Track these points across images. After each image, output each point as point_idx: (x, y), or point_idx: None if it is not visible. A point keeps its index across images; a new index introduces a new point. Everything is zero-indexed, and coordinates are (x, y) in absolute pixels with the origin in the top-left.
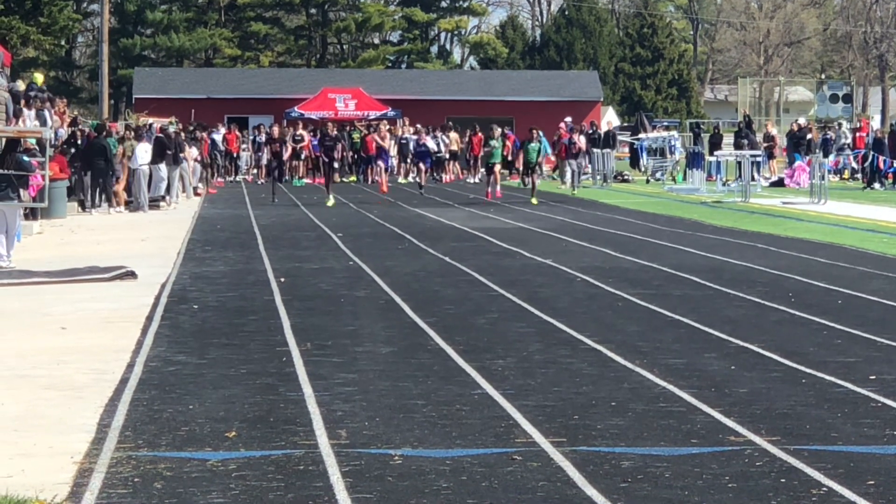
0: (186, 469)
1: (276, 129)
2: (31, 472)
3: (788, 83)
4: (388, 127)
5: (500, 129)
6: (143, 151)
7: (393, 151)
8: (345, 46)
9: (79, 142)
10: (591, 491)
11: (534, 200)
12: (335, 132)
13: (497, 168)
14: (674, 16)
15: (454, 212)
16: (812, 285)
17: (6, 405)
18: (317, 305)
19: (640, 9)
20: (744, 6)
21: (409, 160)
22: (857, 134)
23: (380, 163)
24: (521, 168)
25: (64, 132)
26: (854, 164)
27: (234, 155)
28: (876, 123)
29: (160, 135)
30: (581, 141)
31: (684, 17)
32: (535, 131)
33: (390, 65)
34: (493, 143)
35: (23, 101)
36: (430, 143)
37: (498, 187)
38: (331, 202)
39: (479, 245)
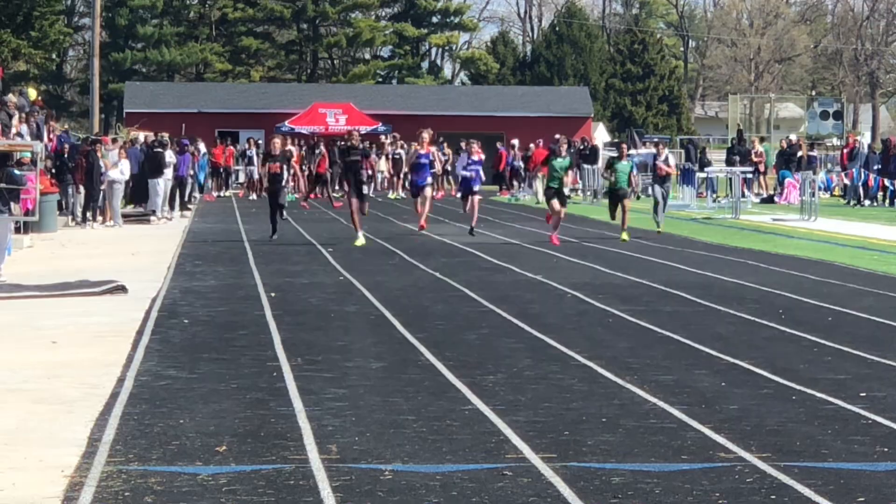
0: (177, 483)
1: (277, 143)
2: (22, 485)
3: (779, 100)
4: (429, 134)
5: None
6: (124, 165)
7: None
8: (335, 61)
9: (65, 155)
10: None
11: (624, 236)
12: (361, 144)
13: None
14: (664, 32)
15: (444, 227)
16: (803, 302)
17: None
18: (307, 320)
19: (630, 25)
20: (734, 23)
21: (454, 183)
22: (843, 150)
23: (425, 190)
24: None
25: (45, 145)
26: (847, 181)
27: (223, 170)
28: (866, 140)
29: (158, 149)
30: (670, 162)
31: (675, 34)
32: (623, 145)
33: (381, 80)
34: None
35: (18, 116)
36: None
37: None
38: (360, 241)
39: (470, 261)
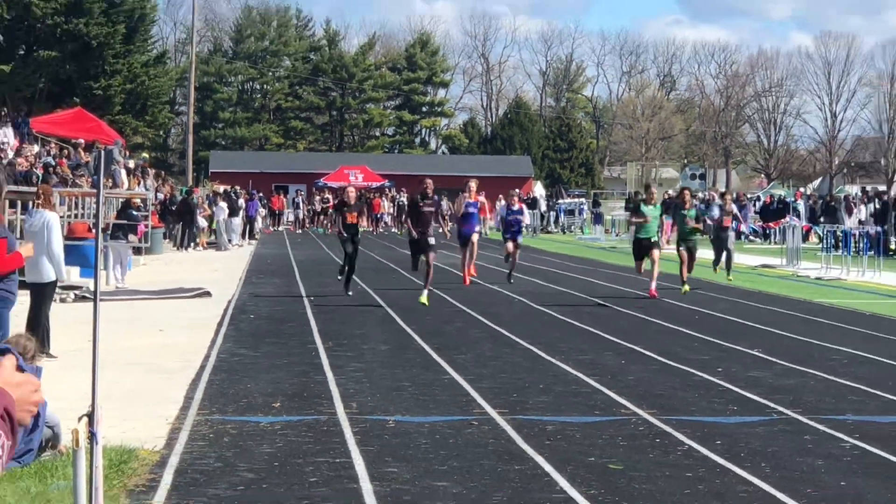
0: (246, 429)
1: (352, 193)
2: (139, 429)
3: (662, 166)
4: (476, 183)
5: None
6: (224, 208)
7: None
8: (356, 137)
9: (167, 201)
10: (524, 446)
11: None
12: (433, 192)
13: (655, 254)
14: (583, 119)
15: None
16: (681, 307)
17: (120, 383)
18: (336, 316)
19: (560, 114)
20: (631, 112)
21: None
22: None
23: (472, 238)
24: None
25: (162, 195)
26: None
27: (278, 212)
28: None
29: (233, 196)
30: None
31: (591, 120)
32: (686, 191)
33: (387, 150)
34: (647, 210)
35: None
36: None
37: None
38: (424, 298)
39: (450, 275)
